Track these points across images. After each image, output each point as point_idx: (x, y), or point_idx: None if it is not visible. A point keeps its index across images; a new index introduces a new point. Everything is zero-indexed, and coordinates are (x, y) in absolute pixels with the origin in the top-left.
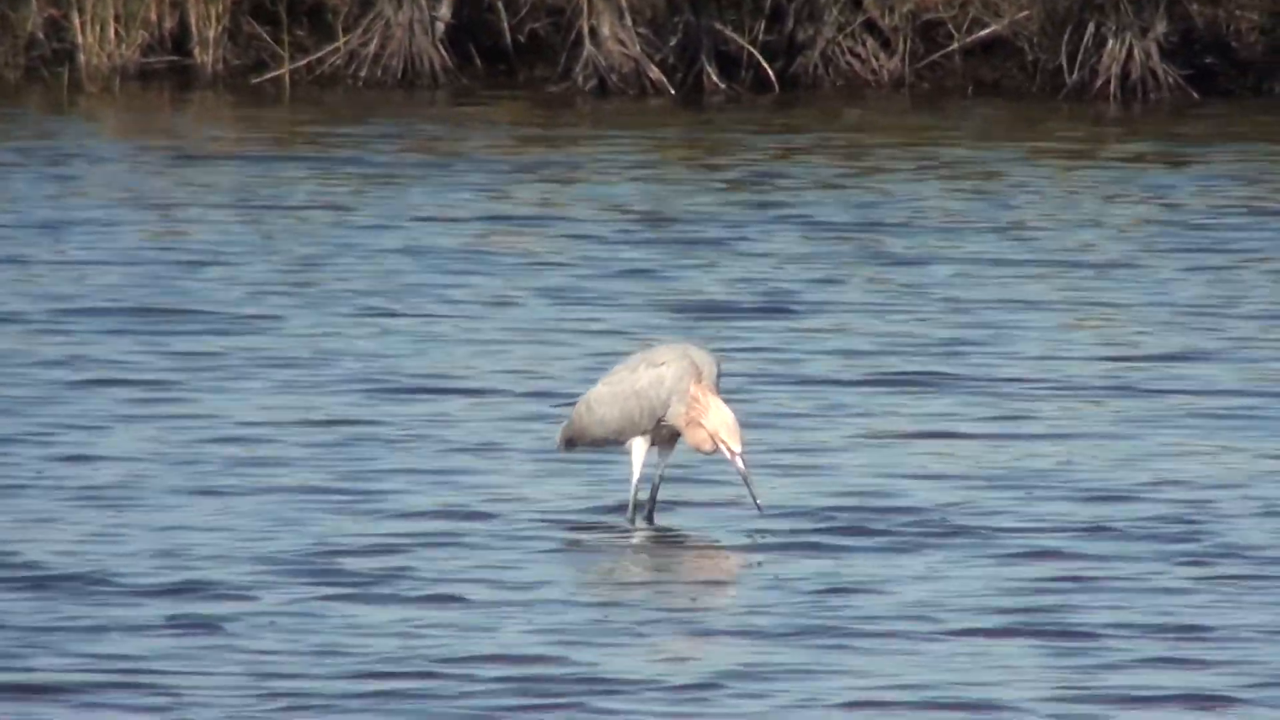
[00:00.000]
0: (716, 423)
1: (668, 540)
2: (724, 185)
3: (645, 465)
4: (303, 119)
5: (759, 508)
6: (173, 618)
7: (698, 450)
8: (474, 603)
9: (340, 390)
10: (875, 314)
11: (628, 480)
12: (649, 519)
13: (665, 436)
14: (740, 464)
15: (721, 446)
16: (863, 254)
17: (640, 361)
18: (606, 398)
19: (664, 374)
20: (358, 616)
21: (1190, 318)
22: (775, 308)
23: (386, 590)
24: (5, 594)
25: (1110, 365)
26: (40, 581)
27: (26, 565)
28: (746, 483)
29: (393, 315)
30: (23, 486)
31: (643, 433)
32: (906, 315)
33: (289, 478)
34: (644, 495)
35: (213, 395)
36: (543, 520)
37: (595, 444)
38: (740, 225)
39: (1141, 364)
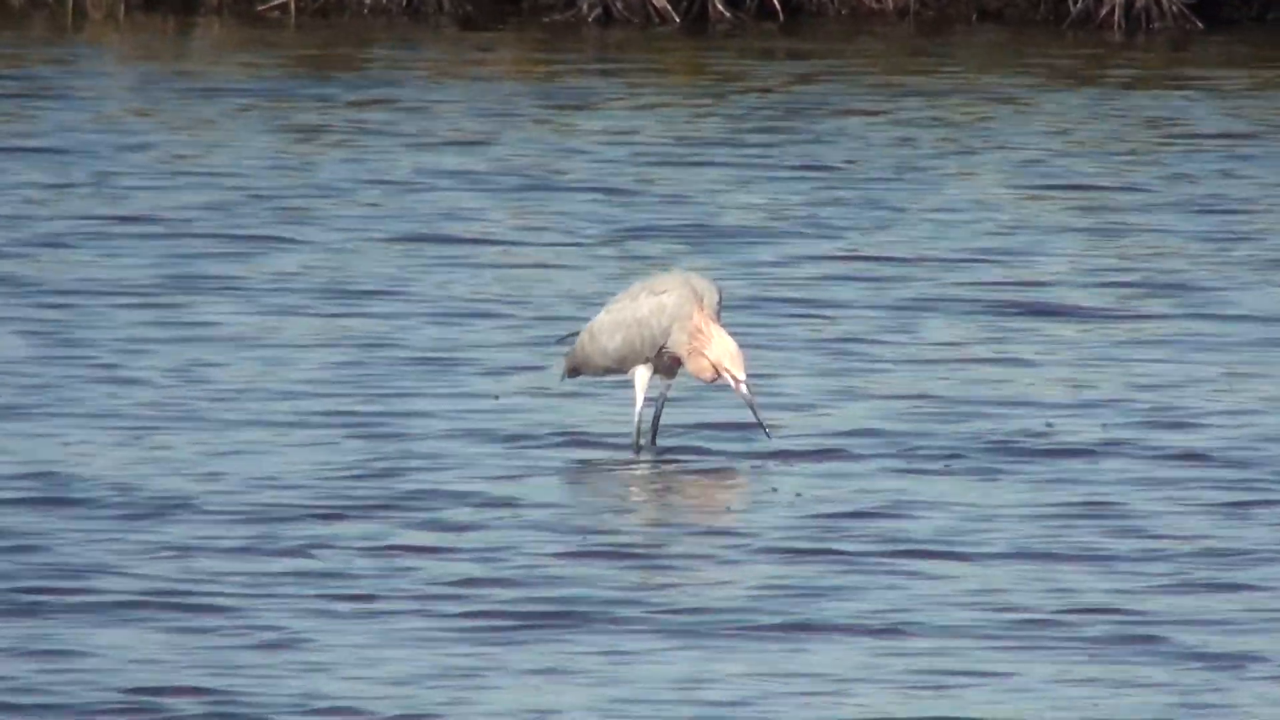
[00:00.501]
0: (720, 352)
1: (672, 466)
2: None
3: (648, 392)
4: (309, 44)
5: (767, 434)
6: (251, 539)
7: (699, 378)
8: (484, 526)
9: (357, 313)
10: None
11: (631, 406)
12: (652, 443)
13: (667, 364)
14: (745, 391)
15: (725, 375)
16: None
17: (642, 290)
18: (609, 326)
19: (665, 302)
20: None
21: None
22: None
23: (420, 515)
24: (74, 517)
25: (1124, 291)
26: (87, 504)
27: (75, 487)
28: (753, 410)
29: (413, 240)
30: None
31: (645, 361)
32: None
33: (314, 404)
34: (647, 423)
35: (237, 316)
36: (547, 446)
37: (599, 372)
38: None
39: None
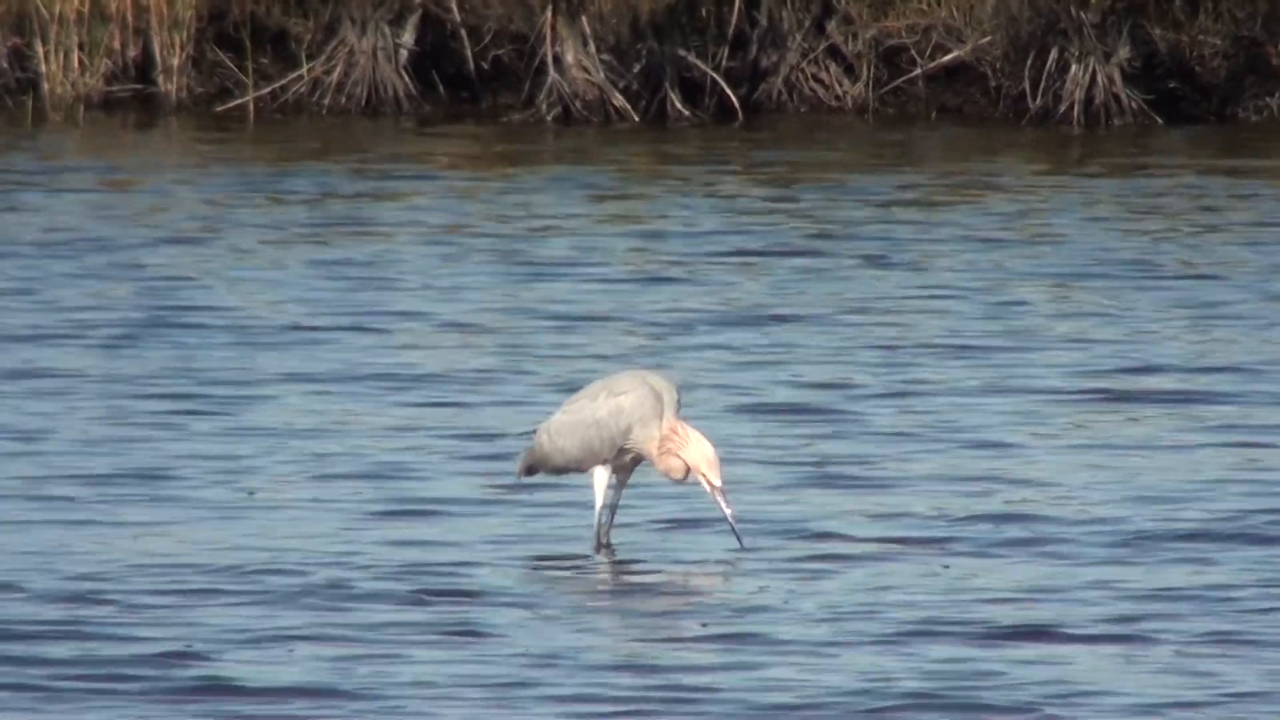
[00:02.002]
0: (696, 457)
1: (633, 567)
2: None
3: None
4: (267, 146)
5: (741, 543)
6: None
7: (668, 477)
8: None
9: (330, 392)
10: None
11: (591, 508)
12: (607, 545)
13: (626, 464)
14: (721, 499)
15: (702, 480)
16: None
17: (600, 389)
18: (566, 427)
19: (623, 403)
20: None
21: None
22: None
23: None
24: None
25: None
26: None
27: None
28: (729, 517)
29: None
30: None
31: (603, 462)
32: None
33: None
34: (606, 523)
35: (244, 408)
36: (506, 557)
37: (556, 471)
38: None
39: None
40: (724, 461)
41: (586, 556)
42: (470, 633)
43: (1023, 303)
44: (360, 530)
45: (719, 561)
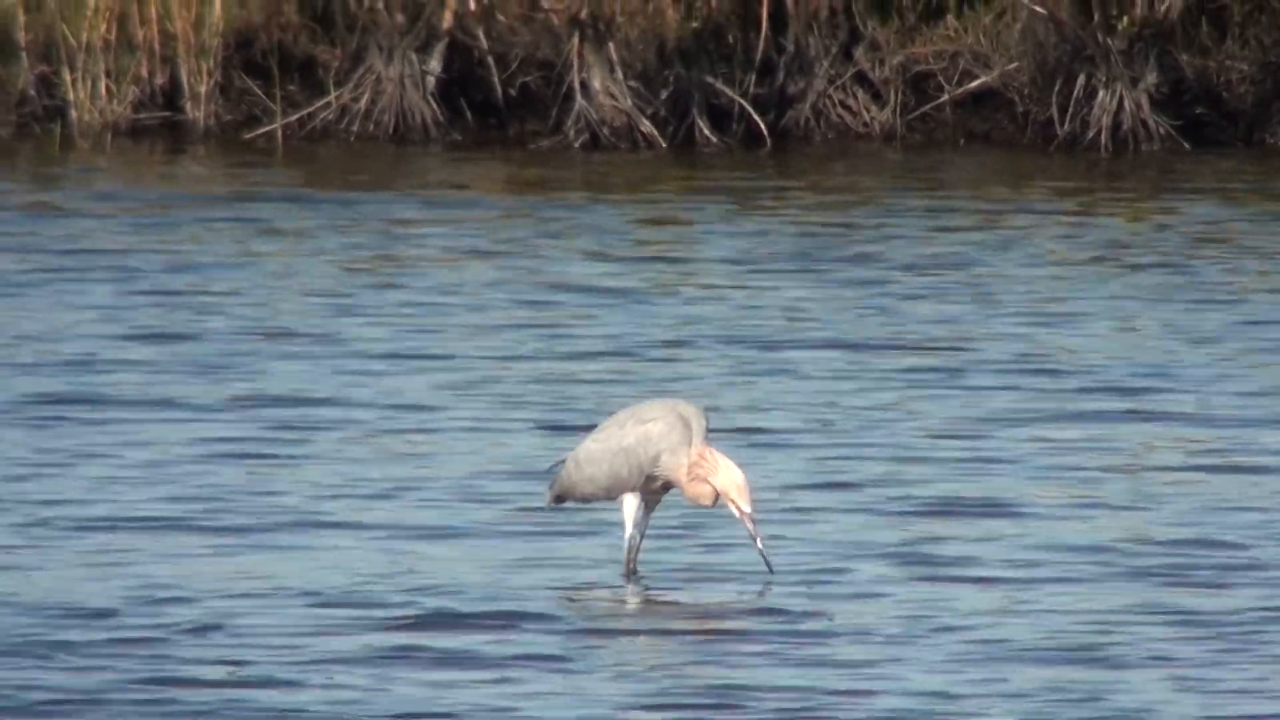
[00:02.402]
0: (726, 483)
1: (666, 597)
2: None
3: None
4: (294, 172)
5: (770, 568)
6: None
7: (697, 504)
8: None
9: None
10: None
11: (620, 535)
12: (635, 572)
13: (656, 491)
14: (750, 525)
15: (731, 506)
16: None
17: (628, 418)
18: (595, 455)
19: (651, 431)
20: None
21: None
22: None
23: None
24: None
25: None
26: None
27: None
28: (757, 544)
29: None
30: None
31: (632, 489)
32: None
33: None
34: (636, 549)
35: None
36: (535, 584)
37: (585, 500)
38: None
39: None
40: (753, 488)
41: (618, 584)
42: (555, 657)
43: (1082, 322)
44: (391, 554)
45: (751, 583)
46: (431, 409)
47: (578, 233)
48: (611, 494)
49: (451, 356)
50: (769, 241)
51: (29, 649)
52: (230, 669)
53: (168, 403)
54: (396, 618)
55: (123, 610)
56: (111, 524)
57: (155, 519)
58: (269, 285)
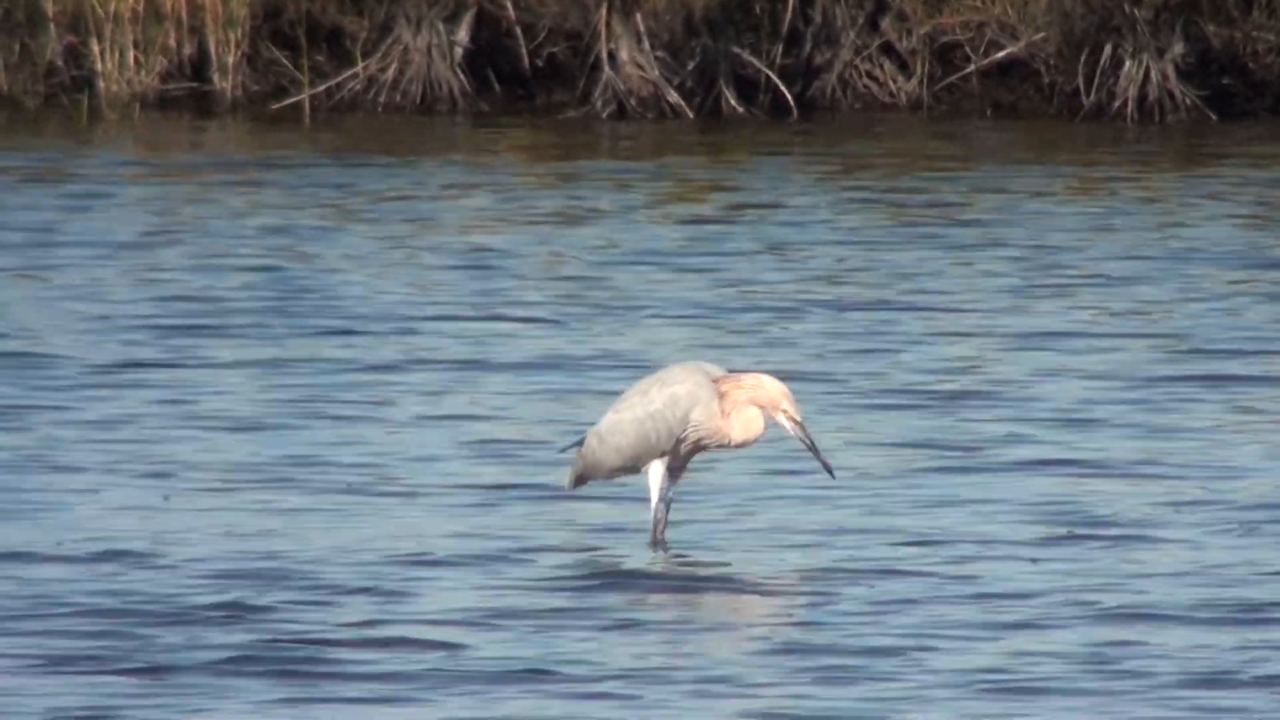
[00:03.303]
0: (775, 393)
1: (694, 563)
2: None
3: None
4: (323, 144)
5: (831, 473)
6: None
7: (745, 442)
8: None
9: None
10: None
11: (647, 505)
12: (663, 544)
13: (682, 457)
14: (804, 433)
15: (783, 419)
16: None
17: (652, 384)
18: (619, 425)
19: (678, 392)
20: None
21: None
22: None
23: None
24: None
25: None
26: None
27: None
28: (815, 449)
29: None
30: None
31: (661, 455)
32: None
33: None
34: (663, 519)
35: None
36: (564, 557)
37: (610, 475)
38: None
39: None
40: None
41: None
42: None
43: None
44: (537, 514)
45: (781, 557)
46: (491, 367)
47: (615, 199)
48: (639, 463)
49: (503, 318)
50: (829, 206)
51: (194, 611)
52: (389, 627)
53: (272, 363)
54: (558, 578)
55: (289, 572)
56: (258, 483)
57: (299, 482)
58: (319, 251)
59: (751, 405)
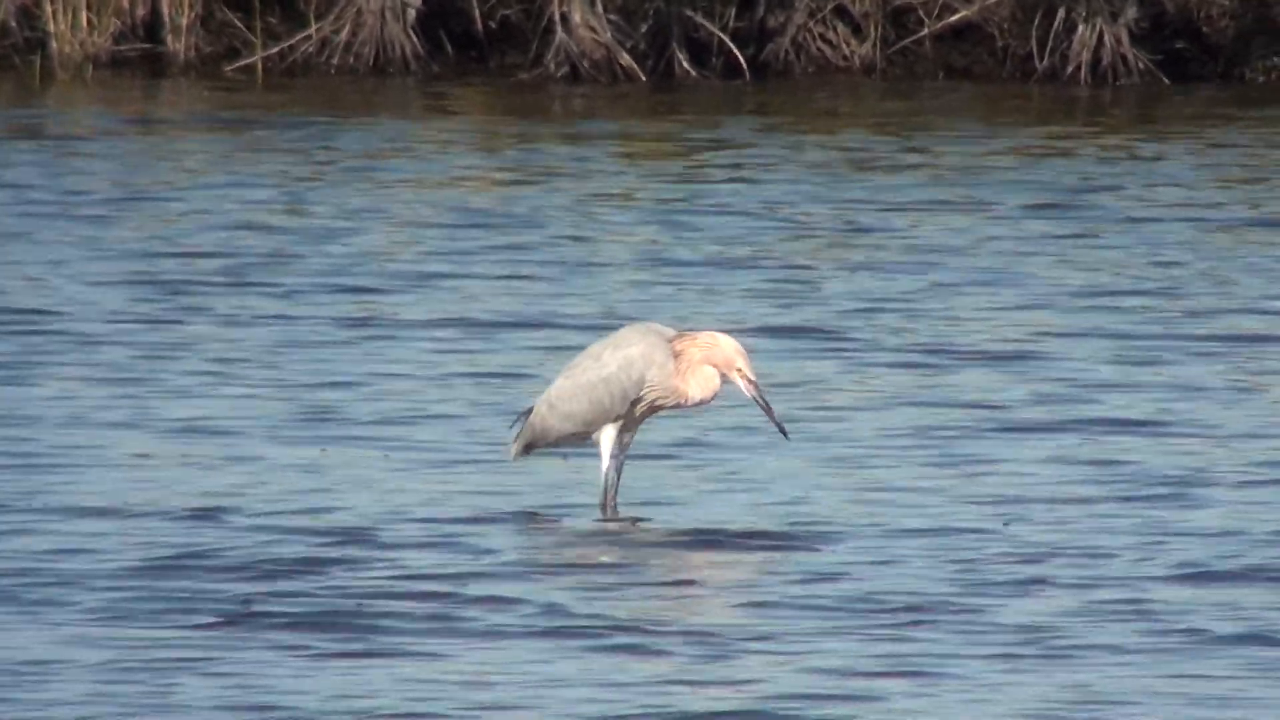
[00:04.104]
0: (730, 352)
1: (646, 528)
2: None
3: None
4: (275, 104)
5: (785, 433)
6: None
7: (703, 402)
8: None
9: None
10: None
11: (597, 470)
12: (614, 509)
13: (635, 419)
14: (758, 393)
15: (738, 378)
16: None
17: (604, 348)
18: (571, 391)
19: (632, 354)
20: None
21: None
22: None
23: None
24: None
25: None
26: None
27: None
28: (768, 409)
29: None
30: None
31: (615, 419)
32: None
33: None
34: (613, 483)
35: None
36: (510, 523)
37: (559, 443)
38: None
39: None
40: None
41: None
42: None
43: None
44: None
45: (733, 520)
46: (473, 327)
47: (576, 161)
48: (592, 428)
49: (484, 279)
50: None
51: (278, 566)
52: (453, 581)
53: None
54: (614, 534)
55: (370, 526)
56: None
57: (362, 439)
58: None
59: (706, 364)
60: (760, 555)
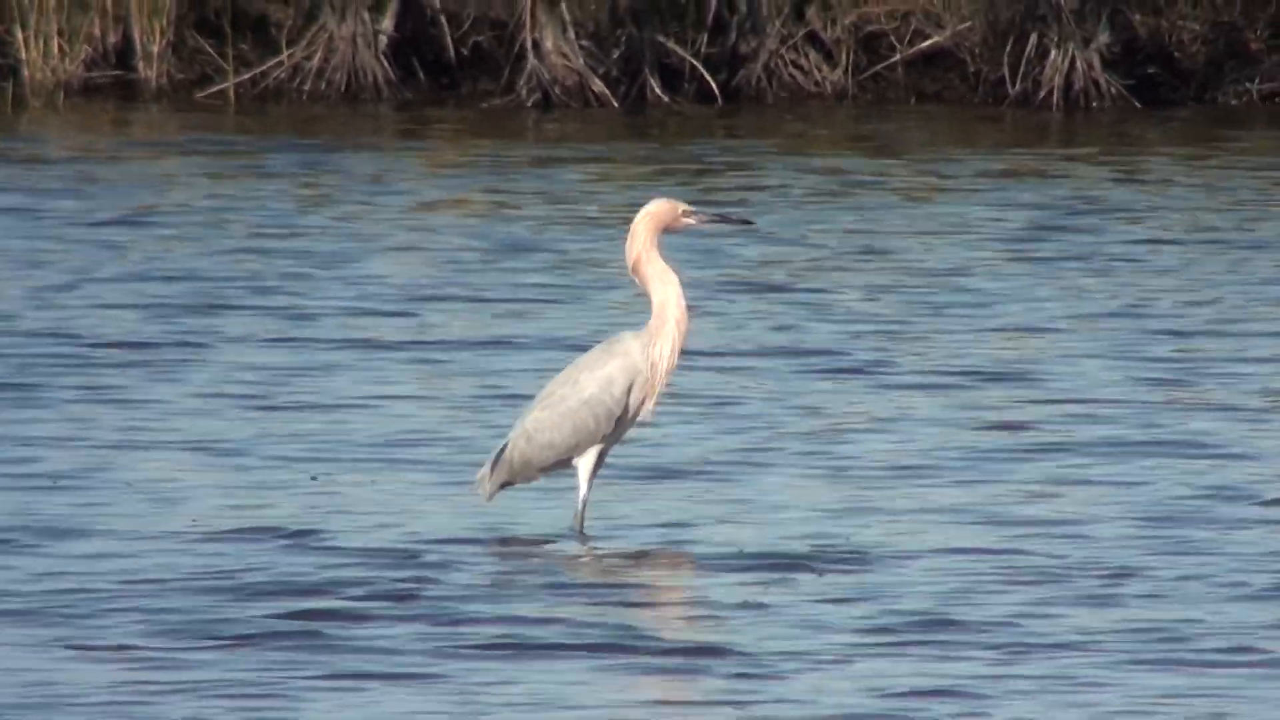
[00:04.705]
0: (663, 204)
1: (669, 551)
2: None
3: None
4: (247, 132)
5: (750, 221)
6: None
7: (678, 303)
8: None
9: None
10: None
11: (575, 495)
12: (582, 531)
13: (616, 436)
14: (707, 214)
15: (684, 217)
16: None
17: (577, 373)
18: (551, 421)
19: (612, 373)
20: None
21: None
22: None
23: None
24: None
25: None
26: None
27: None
28: (725, 218)
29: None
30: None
31: (600, 439)
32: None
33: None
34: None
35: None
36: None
37: (538, 475)
38: None
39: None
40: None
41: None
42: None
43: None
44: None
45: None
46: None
47: (543, 187)
48: (576, 453)
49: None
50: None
51: (289, 586)
52: (464, 603)
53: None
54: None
55: (415, 552)
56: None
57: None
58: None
59: (656, 233)
60: (778, 575)
